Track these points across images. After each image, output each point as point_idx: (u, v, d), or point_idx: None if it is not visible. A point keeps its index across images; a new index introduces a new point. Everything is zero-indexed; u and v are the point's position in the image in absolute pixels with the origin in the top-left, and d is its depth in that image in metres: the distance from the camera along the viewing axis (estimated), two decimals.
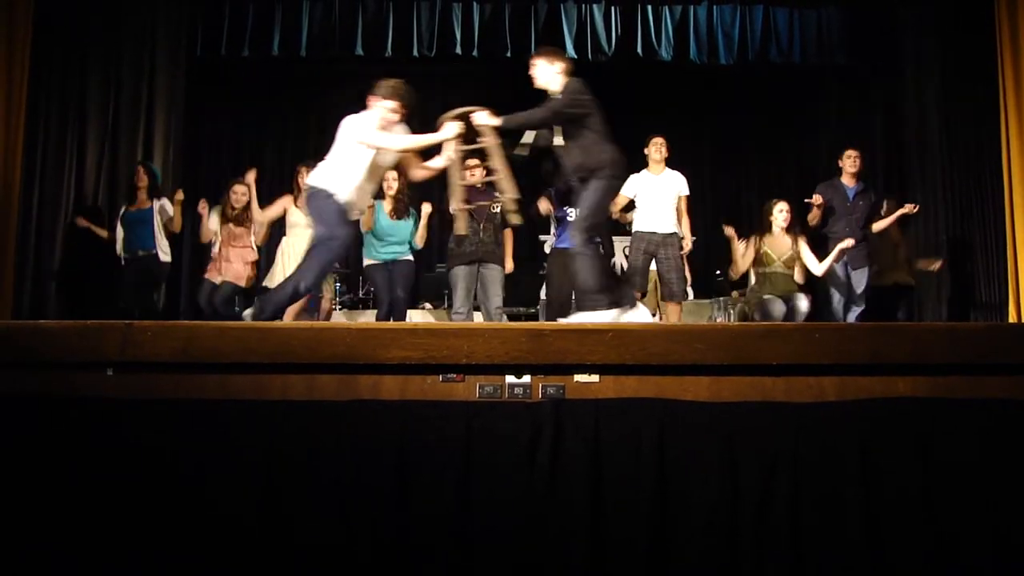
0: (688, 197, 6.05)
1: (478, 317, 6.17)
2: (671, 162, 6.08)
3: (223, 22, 7.62)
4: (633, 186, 5.91)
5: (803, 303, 5.60)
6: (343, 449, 2.85)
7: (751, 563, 2.78)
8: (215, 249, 6.29)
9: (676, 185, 5.99)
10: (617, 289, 4.46)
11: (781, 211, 5.75)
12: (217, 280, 6.17)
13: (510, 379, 2.99)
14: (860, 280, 6.04)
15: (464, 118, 4.46)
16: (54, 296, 6.68)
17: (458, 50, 7.62)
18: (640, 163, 5.99)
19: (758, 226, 5.82)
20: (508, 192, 4.58)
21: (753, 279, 5.94)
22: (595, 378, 2.99)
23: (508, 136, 4.51)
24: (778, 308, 5.55)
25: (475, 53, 7.66)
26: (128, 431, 2.86)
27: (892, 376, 2.98)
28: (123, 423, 2.87)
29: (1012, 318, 6.24)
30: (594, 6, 7.74)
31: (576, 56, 7.64)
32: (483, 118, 4.40)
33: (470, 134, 4.50)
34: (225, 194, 6.33)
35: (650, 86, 8.76)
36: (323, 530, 2.80)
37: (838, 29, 7.90)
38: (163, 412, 2.89)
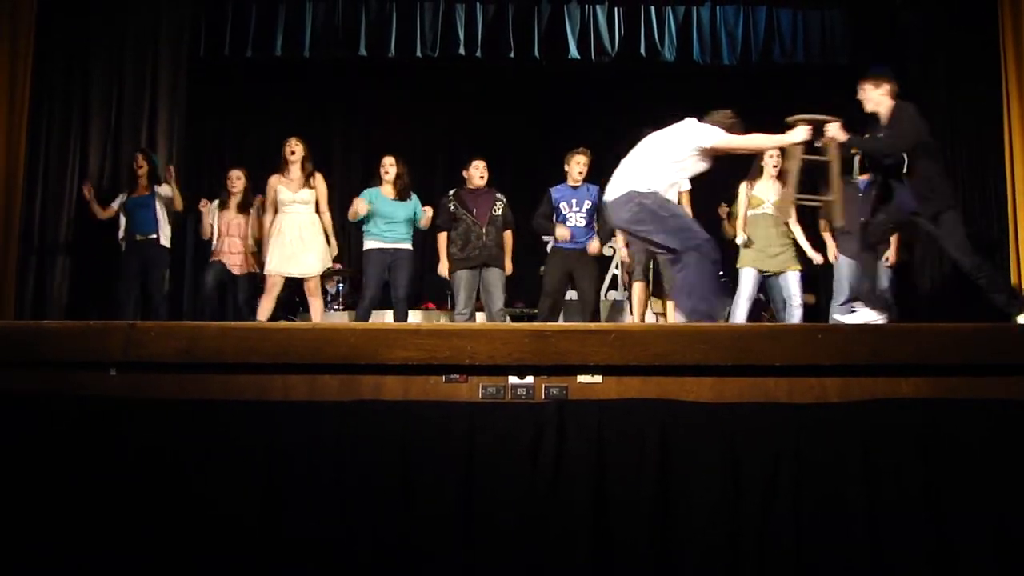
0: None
1: (480, 318, 6.17)
2: None
3: (226, 22, 7.62)
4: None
5: (794, 285, 5.67)
6: (345, 450, 2.85)
7: (753, 564, 2.78)
8: (215, 241, 6.32)
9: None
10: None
11: (771, 156, 5.81)
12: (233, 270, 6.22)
13: (513, 380, 3.00)
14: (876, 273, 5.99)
15: (815, 125, 4.49)
16: (56, 293, 6.68)
17: (461, 51, 7.61)
18: None
19: (750, 173, 5.87)
20: (839, 216, 4.76)
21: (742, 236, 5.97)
22: (598, 379, 2.99)
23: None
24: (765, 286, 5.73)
25: (478, 54, 7.66)
26: (130, 431, 2.87)
27: (894, 377, 2.98)
28: (125, 423, 2.87)
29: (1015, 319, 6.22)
30: (597, 7, 7.73)
31: (579, 57, 7.64)
32: (835, 131, 4.53)
33: (812, 143, 4.54)
34: (223, 181, 6.38)
35: (653, 87, 8.75)
36: (325, 530, 2.80)
37: (841, 29, 7.89)
38: (166, 412, 2.90)
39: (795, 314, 5.78)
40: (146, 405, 2.90)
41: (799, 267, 5.91)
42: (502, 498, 2.81)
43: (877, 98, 4.67)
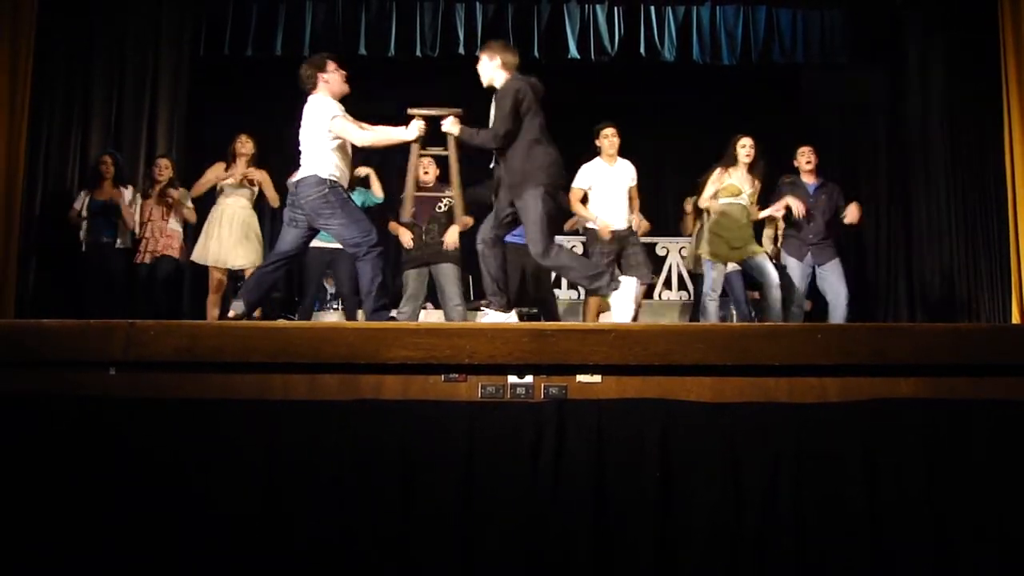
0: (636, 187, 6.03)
1: (438, 316, 6.09)
2: (678, 161, 6.09)
3: (226, 21, 7.61)
4: (587, 178, 5.90)
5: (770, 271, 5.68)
6: (345, 449, 2.85)
7: (754, 563, 2.78)
8: (141, 230, 6.29)
9: (628, 175, 5.97)
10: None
11: (743, 146, 5.79)
12: (149, 260, 6.18)
13: (512, 379, 2.99)
14: (835, 276, 5.97)
15: (431, 119, 4.42)
16: (57, 292, 6.67)
17: (461, 50, 7.61)
18: (645, 163, 5.98)
19: (725, 159, 5.85)
20: (460, 211, 4.69)
21: (706, 219, 5.91)
22: (597, 378, 2.99)
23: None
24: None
25: (478, 53, 7.65)
26: (130, 431, 2.87)
27: (895, 377, 2.98)
28: (125, 422, 2.87)
29: (1015, 319, 6.23)
30: (597, 6, 7.72)
31: (579, 56, 7.64)
32: (448, 125, 4.40)
33: (433, 137, 4.47)
34: (150, 170, 6.38)
35: (653, 86, 8.75)
36: (325, 530, 2.80)
37: (841, 29, 7.89)
38: (165, 411, 2.90)
39: (775, 295, 5.70)
40: (146, 405, 2.90)
41: (764, 250, 5.86)
42: (502, 497, 2.81)
43: (492, 71, 4.50)
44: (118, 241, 6.31)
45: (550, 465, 2.82)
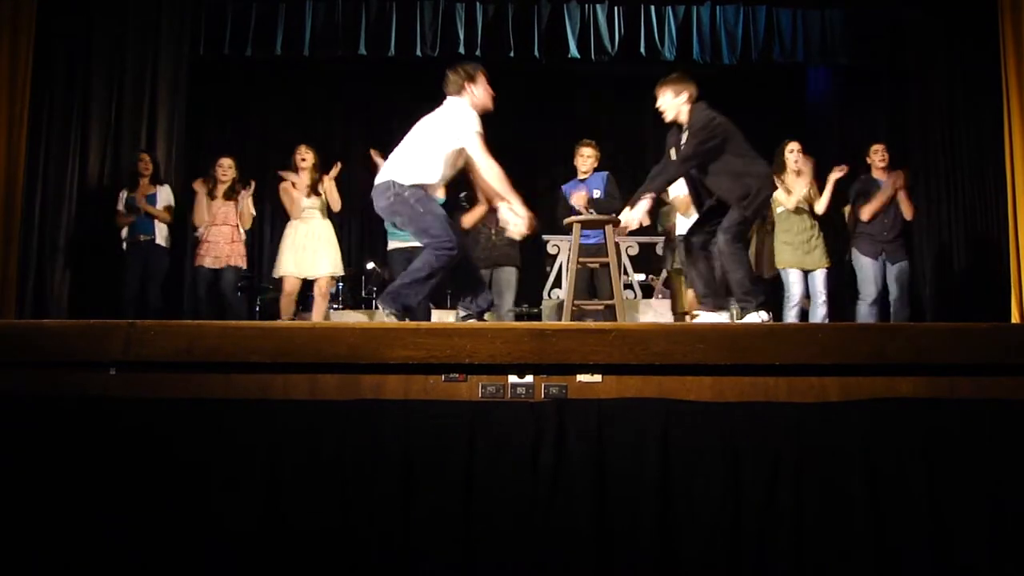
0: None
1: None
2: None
3: (226, 21, 7.62)
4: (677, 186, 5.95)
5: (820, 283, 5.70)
6: (345, 449, 2.85)
7: (754, 563, 2.78)
8: (201, 232, 6.33)
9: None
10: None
11: (792, 151, 5.90)
12: (219, 266, 6.22)
13: (513, 379, 3.00)
14: (902, 276, 5.99)
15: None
16: (58, 292, 6.68)
17: (461, 50, 7.60)
18: (650, 163, 5.97)
19: (774, 167, 5.87)
20: (622, 316, 4.86)
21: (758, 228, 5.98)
22: (597, 378, 2.99)
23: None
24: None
25: (478, 53, 7.65)
26: (131, 431, 2.87)
27: (895, 376, 2.98)
28: (126, 423, 2.87)
29: (1015, 318, 6.23)
30: (597, 6, 7.72)
31: (579, 56, 7.64)
32: (626, 220, 4.57)
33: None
34: (212, 171, 6.39)
35: (653, 86, 8.74)
36: (326, 530, 2.80)
37: (841, 29, 7.89)
38: (166, 411, 2.90)
39: (820, 312, 5.78)
40: (146, 405, 2.90)
41: (828, 264, 5.91)
42: (502, 497, 2.81)
43: (678, 107, 4.52)
44: (157, 238, 6.35)
45: (550, 465, 2.82)
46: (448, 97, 4.37)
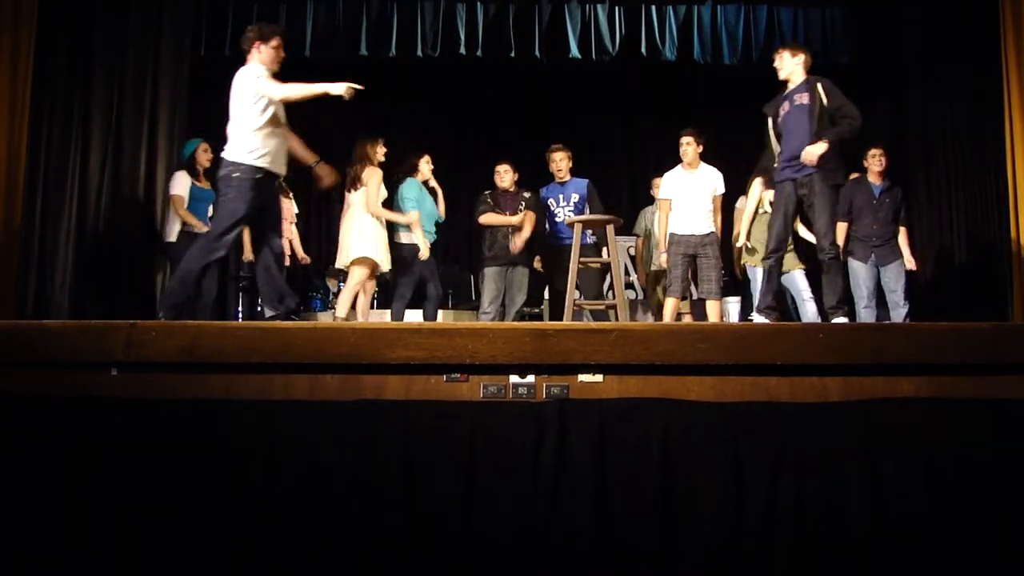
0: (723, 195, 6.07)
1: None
2: (678, 161, 6.10)
3: (227, 21, 7.62)
4: (668, 186, 5.94)
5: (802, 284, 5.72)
6: (346, 449, 2.85)
7: (755, 562, 2.78)
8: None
9: (712, 182, 6.01)
10: None
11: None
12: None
13: (514, 379, 3.00)
14: (893, 277, 5.99)
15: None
16: (58, 292, 6.67)
17: (462, 50, 7.61)
18: (650, 163, 5.99)
19: (762, 171, 5.89)
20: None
21: (748, 234, 5.98)
22: (599, 378, 2.99)
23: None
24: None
25: (479, 53, 7.66)
26: (131, 431, 2.87)
27: (896, 376, 2.98)
28: (126, 423, 2.88)
29: (1016, 318, 6.23)
30: (598, 6, 7.72)
31: (580, 56, 7.63)
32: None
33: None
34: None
35: (654, 86, 8.74)
36: (326, 529, 2.80)
37: (842, 29, 7.89)
38: (167, 412, 2.90)
39: (809, 308, 5.79)
40: (147, 405, 2.90)
41: (803, 265, 5.93)
42: (503, 497, 2.81)
43: (793, 67, 4.92)
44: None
45: (551, 464, 2.82)
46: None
